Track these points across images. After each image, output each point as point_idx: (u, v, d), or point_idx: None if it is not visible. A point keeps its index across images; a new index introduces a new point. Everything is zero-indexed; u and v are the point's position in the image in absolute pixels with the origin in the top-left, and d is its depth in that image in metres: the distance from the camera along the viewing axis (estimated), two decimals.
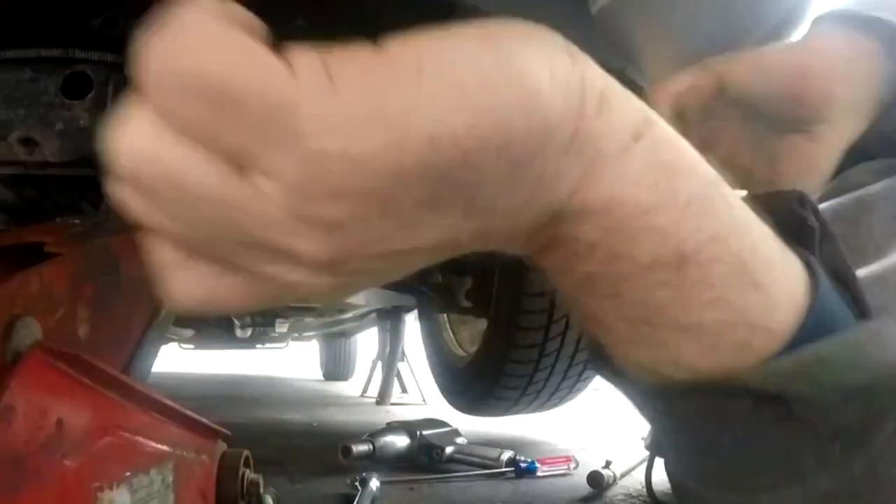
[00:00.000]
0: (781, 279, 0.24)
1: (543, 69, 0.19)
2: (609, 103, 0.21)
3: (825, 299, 0.25)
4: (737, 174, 0.47)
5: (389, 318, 2.77)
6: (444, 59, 0.18)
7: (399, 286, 1.60)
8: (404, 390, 3.01)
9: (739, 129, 0.47)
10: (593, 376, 1.59)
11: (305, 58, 0.17)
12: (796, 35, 0.57)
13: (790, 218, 0.27)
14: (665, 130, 0.22)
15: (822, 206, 0.42)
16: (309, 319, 2.42)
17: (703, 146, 0.30)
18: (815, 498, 0.26)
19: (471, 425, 1.63)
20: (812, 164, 0.42)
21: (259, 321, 2.13)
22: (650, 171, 0.21)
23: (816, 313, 0.24)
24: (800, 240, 0.26)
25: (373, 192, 0.17)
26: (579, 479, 1.10)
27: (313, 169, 0.16)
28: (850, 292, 0.27)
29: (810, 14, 0.87)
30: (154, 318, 0.60)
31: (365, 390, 3.16)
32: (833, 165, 0.43)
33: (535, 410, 1.64)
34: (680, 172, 0.21)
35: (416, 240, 0.19)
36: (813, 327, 0.24)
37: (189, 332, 2.49)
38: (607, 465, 1.09)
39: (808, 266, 0.25)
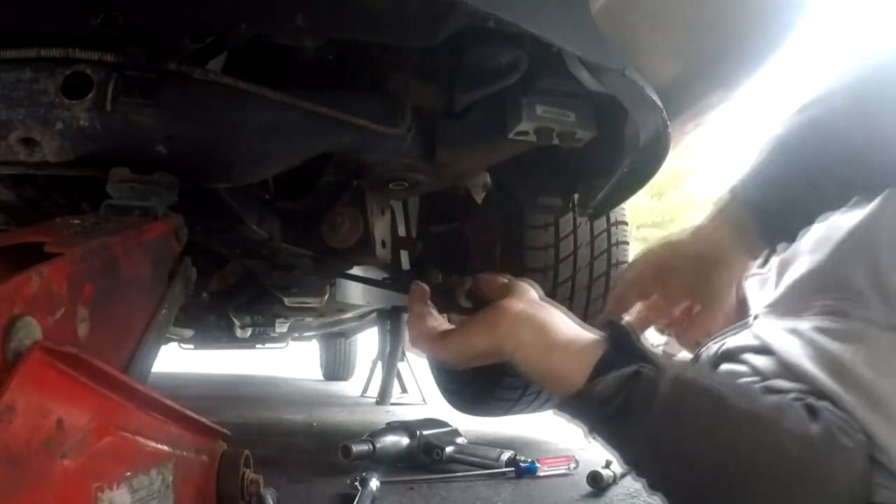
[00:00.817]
0: (576, 354, 0.69)
1: (482, 342, 0.74)
2: (514, 344, 0.71)
3: (609, 359, 0.67)
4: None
5: (389, 318, 2.77)
6: (452, 350, 0.77)
7: (399, 286, 1.59)
8: (404, 390, 3.01)
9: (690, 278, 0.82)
10: None
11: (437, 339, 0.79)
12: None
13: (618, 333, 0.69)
14: (525, 344, 0.71)
15: None
16: (309, 319, 2.42)
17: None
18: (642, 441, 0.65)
19: (471, 425, 1.63)
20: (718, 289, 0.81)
21: (259, 321, 2.13)
22: (518, 351, 0.71)
23: (603, 365, 0.66)
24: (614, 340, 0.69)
25: (453, 363, 0.77)
26: (579, 479, 1.10)
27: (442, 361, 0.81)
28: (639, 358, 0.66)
29: (806, 18, 0.87)
30: (154, 318, 0.60)
31: (365, 390, 3.16)
32: (730, 290, 0.83)
33: (535, 410, 1.64)
34: (526, 349, 0.71)
35: (472, 363, 0.76)
36: (602, 370, 0.66)
37: (189, 332, 2.48)
38: (607, 464, 1.09)
39: (607, 348, 0.68)
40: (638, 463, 0.68)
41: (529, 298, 0.78)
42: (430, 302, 0.88)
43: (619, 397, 0.64)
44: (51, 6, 0.61)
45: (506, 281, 0.84)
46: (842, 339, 0.69)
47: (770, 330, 0.77)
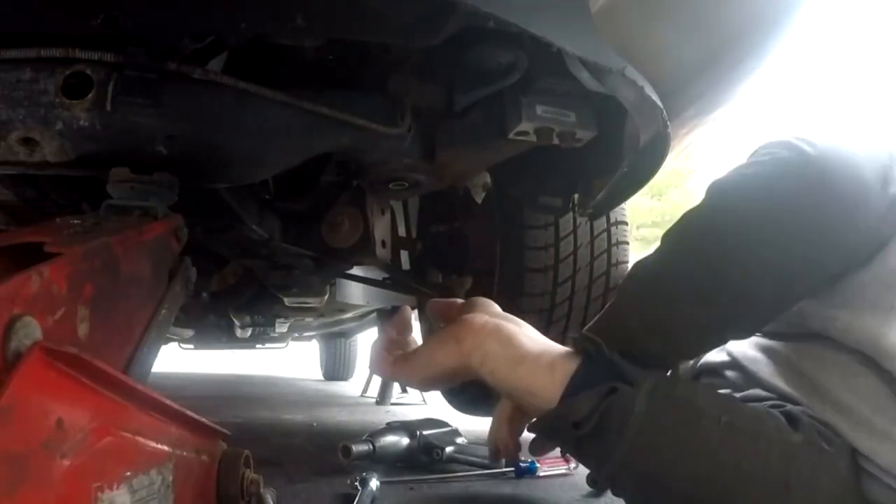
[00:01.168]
0: (547, 366, 0.67)
1: (447, 358, 0.73)
2: (480, 356, 0.70)
3: (583, 375, 0.65)
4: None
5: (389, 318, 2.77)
6: (417, 370, 0.77)
7: (399, 286, 1.59)
8: (404, 390, 3.00)
9: None
10: None
11: (398, 366, 0.78)
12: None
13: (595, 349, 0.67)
14: (493, 355, 0.69)
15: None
16: (309, 319, 2.42)
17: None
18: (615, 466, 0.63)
19: (471, 425, 1.63)
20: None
21: (259, 321, 2.13)
22: (485, 363, 0.70)
23: (577, 381, 0.65)
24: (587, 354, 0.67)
25: (419, 383, 0.80)
26: (579, 479, 1.10)
27: (407, 382, 0.84)
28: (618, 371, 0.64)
29: (803, 16, 0.87)
30: (154, 318, 0.60)
31: (365, 390, 3.16)
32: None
33: None
34: (494, 361, 0.70)
35: (438, 382, 0.79)
36: (575, 387, 0.65)
37: (189, 332, 2.48)
38: None
39: (580, 363, 0.66)
40: (615, 481, 0.66)
41: (492, 311, 0.76)
42: (407, 329, 0.83)
43: (593, 418, 0.62)
44: (51, 6, 0.61)
45: (460, 301, 0.82)
46: (813, 359, 0.68)
47: (743, 347, 0.76)
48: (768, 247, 0.64)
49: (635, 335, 0.68)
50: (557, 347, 0.70)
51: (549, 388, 0.66)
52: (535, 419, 0.69)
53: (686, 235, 0.71)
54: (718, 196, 0.69)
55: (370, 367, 0.82)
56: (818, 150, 0.65)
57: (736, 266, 0.65)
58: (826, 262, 0.64)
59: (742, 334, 0.73)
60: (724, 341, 0.75)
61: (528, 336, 0.71)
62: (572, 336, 0.71)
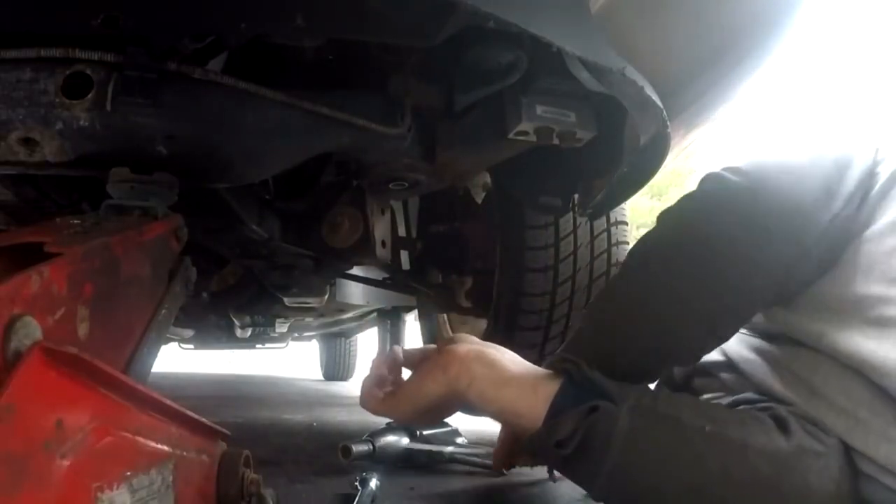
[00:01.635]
0: (531, 387, 0.69)
1: (435, 386, 0.73)
2: (467, 380, 0.71)
3: (565, 395, 0.66)
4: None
5: (389, 318, 2.77)
6: (406, 403, 0.77)
7: (399, 286, 1.59)
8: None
9: None
10: None
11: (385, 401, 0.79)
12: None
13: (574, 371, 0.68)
14: (479, 378, 0.70)
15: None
16: (309, 319, 2.42)
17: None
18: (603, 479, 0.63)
19: (471, 425, 1.63)
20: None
21: (259, 321, 2.13)
22: (472, 386, 0.70)
23: (559, 401, 0.66)
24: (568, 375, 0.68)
25: (409, 416, 0.79)
26: None
27: (397, 417, 0.83)
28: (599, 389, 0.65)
29: (803, 15, 0.87)
30: (154, 318, 0.60)
31: None
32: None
33: None
34: (480, 383, 0.70)
35: (427, 413, 0.77)
36: (558, 407, 0.66)
37: (189, 332, 2.48)
38: None
39: (562, 383, 0.67)
40: (607, 498, 0.66)
41: (472, 340, 0.78)
42: (400, 366, 0.85)
43: (576, 437, 0.63)
44: (51, 6, 0.61)
45: (432, 347, 0.83)
46: (808, 364, 0.68)
47: (738, 348, 0.77)
48: (703, 275, 0.68)
49: (609, 354, 0.71)
50: (540, 370, 0.72)
51: (533, 409, 0.67)
52: (523, 442, 0.71)
53: (633, 264, 0.77)
54: (661, 227, 0.75)
55: (361, 403, 0.84)
56: (750, 180, 0.69)
57: (675, 292, 0.69)
58: (764, 279, 0.68)
59: (689, 360, 0.76)
60: (684, 362, 0.78)
61: (511, 360, 0.73)
62: (549, 359, 0.72)
